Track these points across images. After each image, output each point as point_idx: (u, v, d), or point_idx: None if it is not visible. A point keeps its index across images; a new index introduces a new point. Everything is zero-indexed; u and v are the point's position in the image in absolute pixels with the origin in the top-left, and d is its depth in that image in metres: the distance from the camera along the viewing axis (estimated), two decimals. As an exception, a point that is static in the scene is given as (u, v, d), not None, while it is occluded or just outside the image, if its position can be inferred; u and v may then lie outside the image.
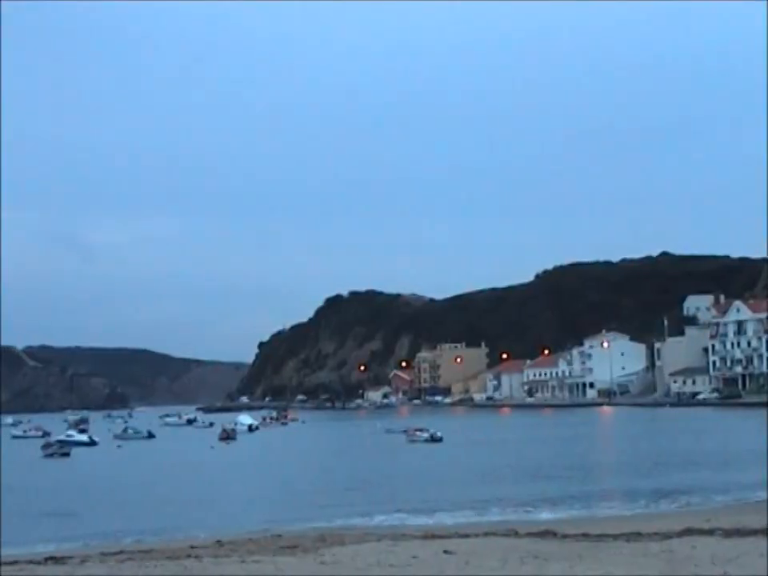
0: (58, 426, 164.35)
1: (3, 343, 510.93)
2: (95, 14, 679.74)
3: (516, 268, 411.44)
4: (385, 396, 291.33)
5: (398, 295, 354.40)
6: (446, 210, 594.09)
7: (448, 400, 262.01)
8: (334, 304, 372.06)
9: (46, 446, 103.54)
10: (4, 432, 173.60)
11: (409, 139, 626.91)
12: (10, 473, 79.31)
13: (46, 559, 28.30)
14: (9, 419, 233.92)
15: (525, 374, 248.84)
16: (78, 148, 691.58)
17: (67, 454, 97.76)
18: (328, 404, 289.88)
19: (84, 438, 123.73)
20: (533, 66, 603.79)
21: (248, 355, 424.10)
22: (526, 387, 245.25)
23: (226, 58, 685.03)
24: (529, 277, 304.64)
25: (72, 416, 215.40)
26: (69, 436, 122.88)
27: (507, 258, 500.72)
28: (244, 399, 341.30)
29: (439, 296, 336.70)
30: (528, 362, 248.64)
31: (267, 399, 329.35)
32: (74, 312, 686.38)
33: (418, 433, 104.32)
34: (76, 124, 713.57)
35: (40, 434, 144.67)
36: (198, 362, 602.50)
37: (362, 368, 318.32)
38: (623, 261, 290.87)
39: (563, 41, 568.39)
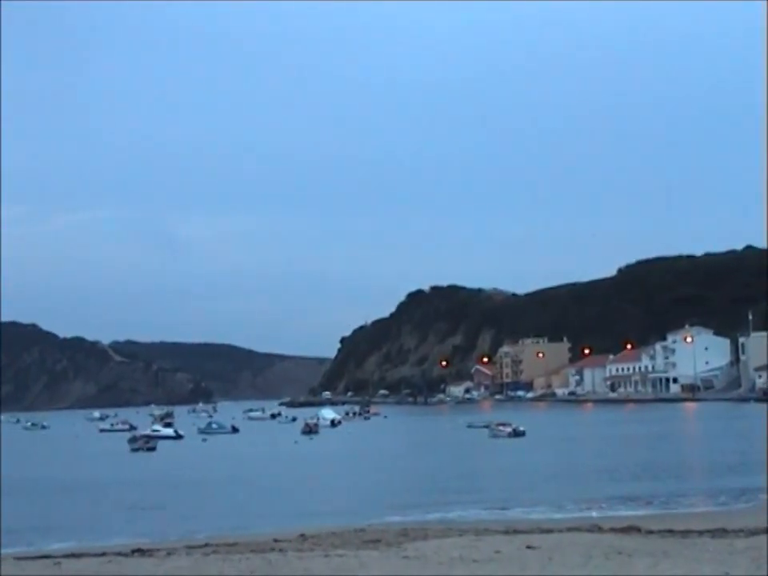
0: (144, 420, 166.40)
1: (90, 338, 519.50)
2: (193, 13, 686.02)
3: (598, 263, 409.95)
4: (467, 391, 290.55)
5: (480, 290, 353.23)
6: (528, 204, 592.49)
7: (530, 395, 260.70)
8: (415, 299, 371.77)
9: (132, 440, 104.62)
10: (92, 426, 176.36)
11: (488, 135, 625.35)
12: (98, 466, 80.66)
13: (133, 551, 28.69)
14: (96, 413, 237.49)
15: (607, 368, 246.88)
16: (166, 146, 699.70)
17: (153, 448, 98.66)
18: (410, 399, 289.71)
19: (170, 431, 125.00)
20: (618, 65, 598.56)
21: (330, 350, 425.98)
22: (608, 382, 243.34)
23: (304, 55, 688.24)
24: (611, 271, 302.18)
25: (158, 410, 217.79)
26: (155, 430, 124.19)
27: (589, 252, 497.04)
28: (326, 394, 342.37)
29: (521, 290, 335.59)
30: (611, 356, 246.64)
31: (349, 394, 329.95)
32: (159, 307, 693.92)
33: (500, 427, 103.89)
34: (166, 123, 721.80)
35: (127, 427, 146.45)
36: (281, 357, 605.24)
37: (444, 363, 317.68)
38: (707, 255, 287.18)
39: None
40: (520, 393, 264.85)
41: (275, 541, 30.38)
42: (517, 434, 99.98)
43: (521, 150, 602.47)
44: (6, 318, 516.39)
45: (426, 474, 64.34)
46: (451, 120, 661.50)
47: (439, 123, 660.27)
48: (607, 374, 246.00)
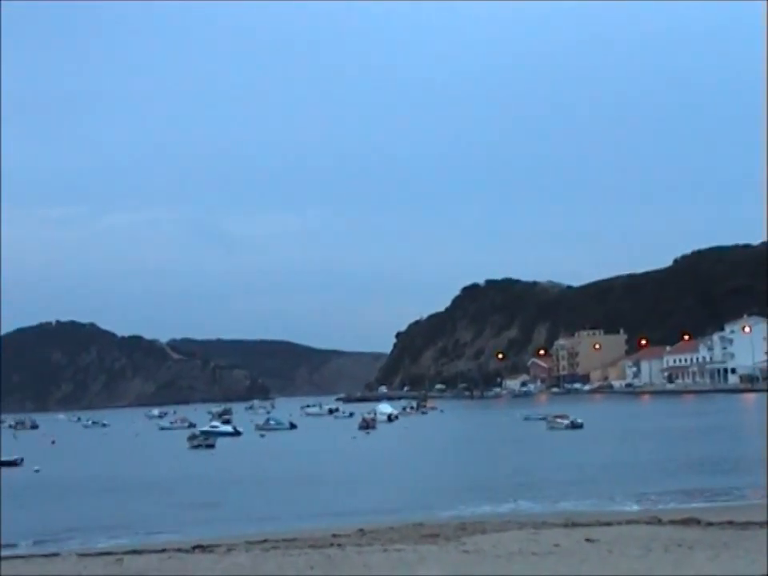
0: (202, 417, 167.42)
1: (148, 337, 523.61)
2: (237, 12, 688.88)
3: (653, 253, 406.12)
4: (523, 384, 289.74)
5: (535, 283, 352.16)
6: (582, 196, 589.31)
7: (587, 387, 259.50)
8: (470, 293, 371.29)
9: (191, 438, 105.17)
10: (151, 424, 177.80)
11: (541, 127, 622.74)
12: (157, 464, 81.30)
13: (194, 548, 28.93)
14: (155, 411, 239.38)
15: (664, 360, 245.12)
16: (220, 145, 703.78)
17: (212, 445, 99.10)
18: (466, 393, 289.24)
19: (228, 428, 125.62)
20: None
21: (386, 345, 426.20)
22: (665, 374, 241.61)
23: (349, 52, 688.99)
24: (667, 262, 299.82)
25: (216, 407, 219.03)
26: (213, 427, 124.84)
27: (644, 243, 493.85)
28: (383, 389, 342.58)
29: (576, 283, 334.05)
30: (668, 348, 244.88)
31: (406, 389, 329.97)
32: (215, 305, 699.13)
33: (558, 420, 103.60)
34: (221, 122, 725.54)
35: (186, 425, 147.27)
36: (338, 353, 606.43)
37: (500, 356, 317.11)
38: (763, 244, 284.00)
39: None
40: (577, 385, 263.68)
41: (334, 536, 30.50)
42: (574, 426, 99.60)
43: (576, 143, 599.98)
44: (65, 318, 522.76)
45: (483, 468, 64.29)
46: (501, 112, 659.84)
47: (489, 115, 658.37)
48: (664, 366, 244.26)
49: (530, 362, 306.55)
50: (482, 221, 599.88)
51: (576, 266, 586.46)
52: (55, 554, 30.25)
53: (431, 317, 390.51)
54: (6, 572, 25.21)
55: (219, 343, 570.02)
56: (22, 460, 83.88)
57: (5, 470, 78.16)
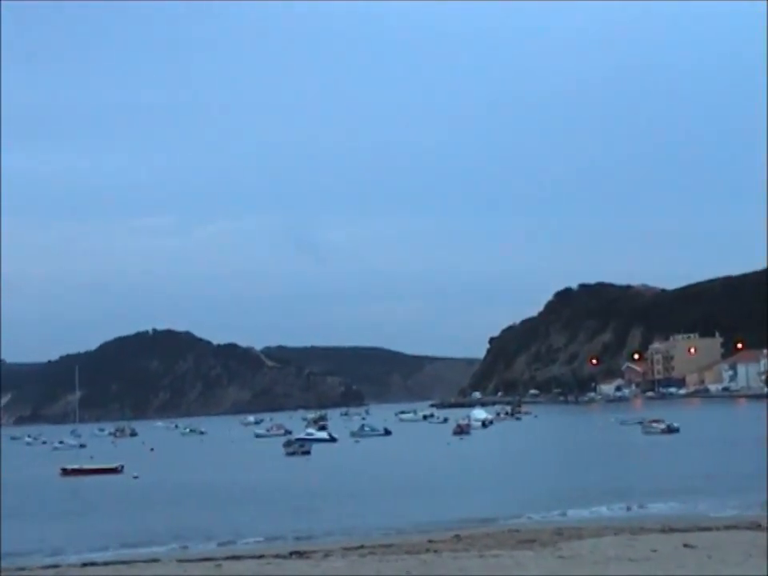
0: (297, 424, 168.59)
1: (243, 345, 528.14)
2: (330, 14, 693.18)
3: (749, 255, 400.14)
4: (618, 389, 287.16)
5: (629, 286, 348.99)
6: (675, 197, 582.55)
7: (682, 391, 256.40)
8: (564, 297, 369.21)
9: (287, 444, 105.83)
10: (247, 431, 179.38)
11: (632, 129, 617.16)
12: (254, 470, 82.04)
13: (291, 553, 29.25)
14: (251, 418, 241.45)
15: (762, 363, 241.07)
16: (309, 152, 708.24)
17: (308, 452, 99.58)
18: (560, 398, 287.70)
19: (324, 435, 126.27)
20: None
21: (479, 351, 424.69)
22: (763, 377, 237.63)
23: (445, 56, 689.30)
24: (763, 263, 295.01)
25: (311, 414, 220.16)
26: (309, 434, 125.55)
27: (739, 244, 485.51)
28: (476, 394, 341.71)
29: (671, 286, 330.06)
30: (765, 350, 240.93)
31: (499, 394, 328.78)
32: (308, 312, 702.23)
33: (653, 424, 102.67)
34: (308, 129, 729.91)
35: (282, 432, 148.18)
36: (431, 359, 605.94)
37: (594, 361, 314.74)
38: None
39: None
40: (672, 389, 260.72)
41: (430, 542, 30.61)
42: (670, 430, 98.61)
43: (665, 144, 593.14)
44: (161, 326, 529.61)
45: (579, 473, 63.94)
46: (591, 118, 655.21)
47: (581, 119, 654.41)
48: (762, 369, 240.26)
49: (624, 367, 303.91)
50: (575, 225, 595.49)
51: (670, 269, 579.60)
52: (155, 560, 30.76)
53: (524, 322, 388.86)
54: (108, 577, 25.73)
55: (313, 350, 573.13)
56: (122, 467, 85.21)
57: (107, 476, 79.65)
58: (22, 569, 29.92)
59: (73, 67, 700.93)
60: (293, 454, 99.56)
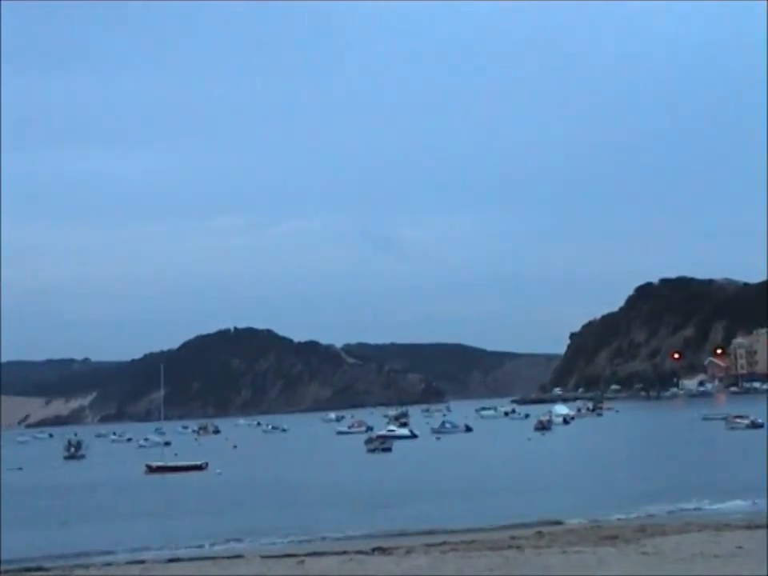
0: (378, 420, 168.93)
1: (324, 342, 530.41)
2: (397, 12, 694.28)
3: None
4: (700, 384, 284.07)
5: (711, 280, 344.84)
6: (755, 191, 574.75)
7: (766, 386, 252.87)
8: (644, 292, 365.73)
9: (368, 441, 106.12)
10: (329, 428, 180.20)
11: (707, 121, 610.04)
12: (335, 467, 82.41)
13: (373, 550, 29.35)
14: (332, 415, 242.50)
15: None
16: (388, 149, 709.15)
17: (389, 449, 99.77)
18: (642, 393, 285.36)
19: (405, 431, 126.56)
20: None
21: (559, 346, 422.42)
22: None
23: (514, 52, 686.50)
24: None
25: (392, 411, 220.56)
26: (390, 431, 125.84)
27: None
28: (557, 390, 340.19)
29: (754, 279, 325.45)
30: None
31: (580, 390, 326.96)
32: (388, 309, 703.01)
33: (737, 420, 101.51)
34: (385, 127, 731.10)
35: (363, 429, 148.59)
36: (511, 355, 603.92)
37: (676, 356, 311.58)
38: None
39: None
40: (756, 384, 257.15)
41: (512, 538, 30.59)
42: (755, 425, 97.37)
43: (746, 136, 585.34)
44: (242, 325, 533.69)
45: (662, 468, 63.40)
46: (667, 107, 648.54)
47: (656, 108, 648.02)
48: None
49: (706, 362, 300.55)
50: (655, 219, 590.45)
51: (754, 262, 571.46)
52: (239, 556, 31.08)
53: (605, 317, 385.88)
54: (194, 573, 26.04)
55: (393, 347, 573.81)
56: (206, 464, 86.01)
57: (191, 473, 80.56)
58: (109, 564, 30.43)
59: (149, 69, 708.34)
60: (374, 450, 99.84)
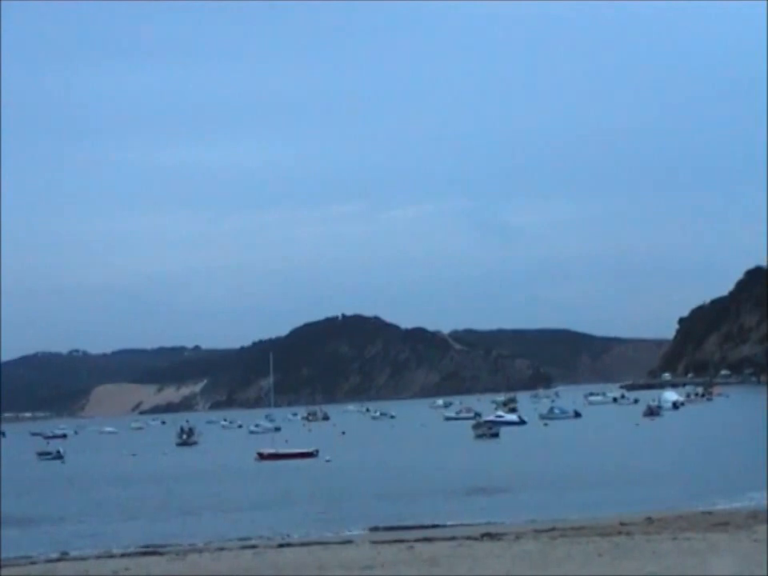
0: (486, 406, 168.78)
1: (431, 328, 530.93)
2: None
3: None
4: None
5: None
6: None
7: None
8: (755, 275, 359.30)
9: (476, 427, 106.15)
10: (436, 414, 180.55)
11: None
12: (443, 454, 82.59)
13: (482, 535, 29.50)
14: (439, 401, 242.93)
15: None
16: (492, 136, 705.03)
17: (496, 434, 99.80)
18: (753, 378, 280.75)
19: (514, 417, 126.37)
20: None
21: (668, 331, 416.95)
22: None
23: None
24: None
25: (500, 397, 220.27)
26: (499, 416, 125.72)
27: None
28: (666, 376, 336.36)
29: None
30: None
31: (690, 375, 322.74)
32: (496, 295, 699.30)
33: None
34: (490, 112, 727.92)
35: (471, 415, 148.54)
36: (619, 340, 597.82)
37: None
38: None
39: None
40: None
41: (622, 524, 30.50)
42: None
43: None
44: (350, 312, 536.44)
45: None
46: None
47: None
48: None
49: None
50: (764, 200, 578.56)
51: None
52: (349, 541, 31.44)
53: (714, 301, 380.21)
54: (305, 558, 26.43)
55: (501, 333, 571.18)
56: (317, 451, 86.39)
57: (303, 460, 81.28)
58: (221, 549, 31.01)
59: (261, 58, 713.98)
60: (482, 436, 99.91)
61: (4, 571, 28.28)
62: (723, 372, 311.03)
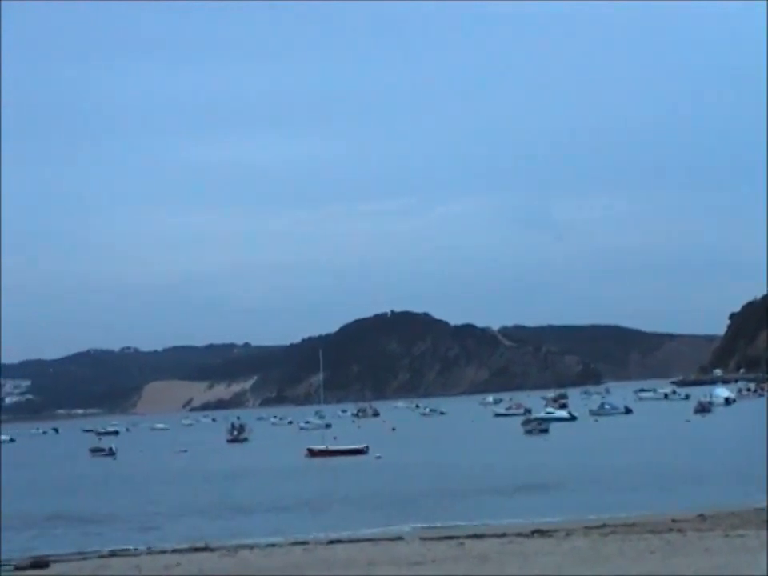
0: (535, 402, 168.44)
1: (480, 325, 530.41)
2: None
3: None
4: None
5: None
6: None
7: None
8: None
9: (526, 423, 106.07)
10: (486, 410, 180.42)
11: None
12: (493, 449, 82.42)
13: (533, 532, 29.45)
14: (489, 398, 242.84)
15: None
16: (541, 130, 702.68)
17: (546, 430, 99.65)
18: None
19: (564, 413, 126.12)
20: None
21: (719, 327, 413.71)
22: None
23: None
24: None
25: (550, 393, 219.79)
26: (549, 412, 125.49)
27: None
28: (718, 372, 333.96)
29: None
30: None
31: (741, 371, 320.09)
32: (545, 291, 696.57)
33: None
34: (541, 108, 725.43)
35: (521, 411, 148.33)
36: (670, 336, 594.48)
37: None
38: None
39: None
40: None
41: (673, 521, 30.34)
42: None
43: None
44: (399, 308, 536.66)
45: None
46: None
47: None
48: None
49: None
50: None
51: None
52: (399, 538, 31.44)
53: (766, 296, 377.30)
54: (355, 554, 26.46)
55: (550, 329, 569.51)
56: (367, 448, 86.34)
57: (353, 457, 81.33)
58: (272, 545, 31.12)
59: (315, 56, 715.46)
60: (531, 432, 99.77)
61: (57, 567, 28.55)
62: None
